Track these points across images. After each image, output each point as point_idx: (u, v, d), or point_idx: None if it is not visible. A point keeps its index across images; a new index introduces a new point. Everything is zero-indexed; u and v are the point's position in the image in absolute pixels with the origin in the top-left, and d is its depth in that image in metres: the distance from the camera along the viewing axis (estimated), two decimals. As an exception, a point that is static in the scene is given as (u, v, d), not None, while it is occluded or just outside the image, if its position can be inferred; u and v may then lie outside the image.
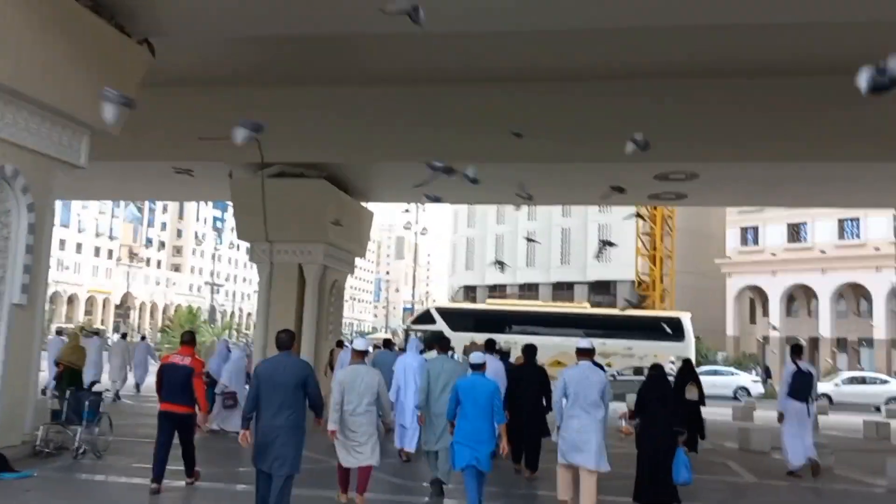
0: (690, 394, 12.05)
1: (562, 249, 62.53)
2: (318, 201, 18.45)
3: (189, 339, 8.44)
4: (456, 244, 72.28)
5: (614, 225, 58.81)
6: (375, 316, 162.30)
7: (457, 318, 31.70)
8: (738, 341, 49.41)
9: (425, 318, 33.13)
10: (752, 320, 53.53)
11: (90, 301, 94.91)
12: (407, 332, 34.33)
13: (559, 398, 7.46)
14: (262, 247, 18.98)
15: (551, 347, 25.44)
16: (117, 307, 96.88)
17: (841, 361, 45.17)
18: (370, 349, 9.85)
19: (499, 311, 34.48)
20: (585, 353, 7.57)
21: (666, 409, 7.84)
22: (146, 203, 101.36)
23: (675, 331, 31.69)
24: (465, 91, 15.78)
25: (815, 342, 47.64)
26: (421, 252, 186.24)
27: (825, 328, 45.93)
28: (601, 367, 8.17)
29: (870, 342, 43.94)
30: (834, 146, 15.06)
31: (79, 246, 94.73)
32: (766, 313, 51.76)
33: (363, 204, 21.92)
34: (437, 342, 9.24)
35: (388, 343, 16.32)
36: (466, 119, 15.69)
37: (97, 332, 24.95)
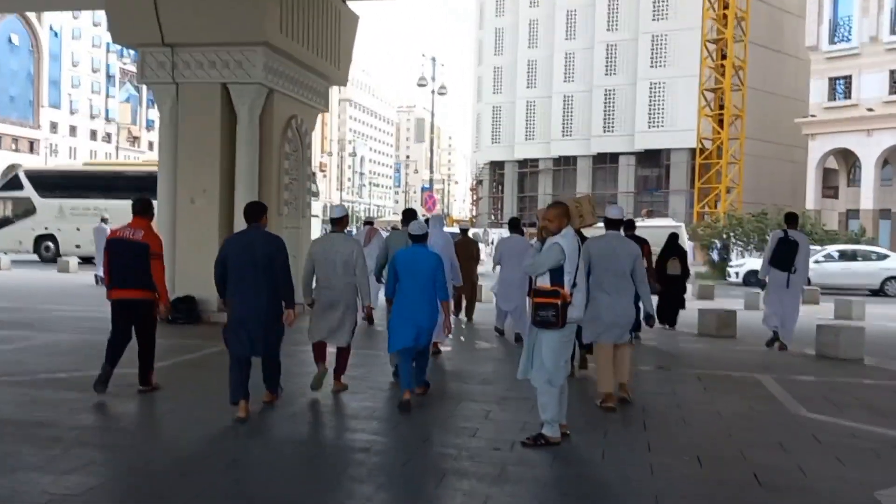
0: (673, 269, 12.06)
1: (605, 115, 53.51)
2: (244, -32, 10.47)
3: (141, 209, 6.48)
4: (480, 113, 63.44)
5: (669, 82, 49.78)
6: (396, 202, 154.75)
7: (49, 183, 25.76)
8: (820, 216, 41.33)
9: (13, 183, 26.38)
10: (828, 194, 45.21)
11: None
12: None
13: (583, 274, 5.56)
14: (159, 56, 11.20)
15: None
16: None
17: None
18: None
19: (94, 173, 27.55)
20: (613, 224, 6.53)
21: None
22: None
23: None
24: None
25: (914, 215, 39.55)
26: (443, 135, 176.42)
27: (932, 198, 37.63)
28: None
29: None
30: None
31: (72, 129, 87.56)
32: (850, 183, 43.38)
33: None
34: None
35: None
36: None
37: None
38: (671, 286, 12.00)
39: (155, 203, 8.21)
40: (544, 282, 4.97)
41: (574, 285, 4.99)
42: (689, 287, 14.82)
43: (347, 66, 14.41)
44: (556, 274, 4.94)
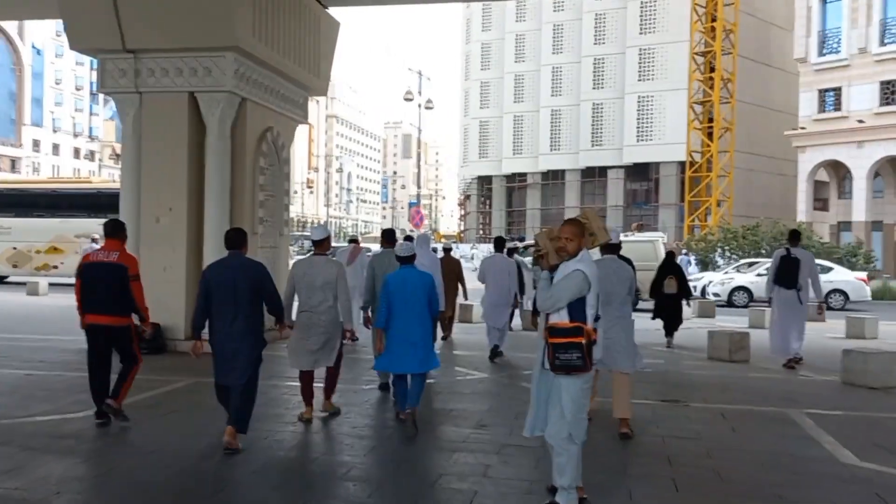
0: (670, 288, 11.86)
1: (593, 129, 52.96)
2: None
3: (112, 230, 6.18)
4: (468, 128, 62.81)
5: (657, 95, 49.34)
6: (384, 217, 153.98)
7: None
8: (811, 229, 40.81)
9: None
10: (818, 206, 44.72)
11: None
12: None
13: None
14: (120, 64, 10.30)
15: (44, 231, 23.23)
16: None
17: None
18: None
19: None
20: (612, 248, 6.37)
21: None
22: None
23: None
24: None
25: (908, 228, 39.06)
26: (430, 151, 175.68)
27: (926, 210, 37.14)
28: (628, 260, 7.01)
29: None
30: None
31: (55, 147, 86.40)
32: (841, 195, 42.90)
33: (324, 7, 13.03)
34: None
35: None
36: None
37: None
38: (669, 304, 11.99)
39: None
40: (561, 317, 4.05)
41: (597, 319, 4.10)
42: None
43: (328, 75, 13.57)
44: (577, 307, 4.03)
